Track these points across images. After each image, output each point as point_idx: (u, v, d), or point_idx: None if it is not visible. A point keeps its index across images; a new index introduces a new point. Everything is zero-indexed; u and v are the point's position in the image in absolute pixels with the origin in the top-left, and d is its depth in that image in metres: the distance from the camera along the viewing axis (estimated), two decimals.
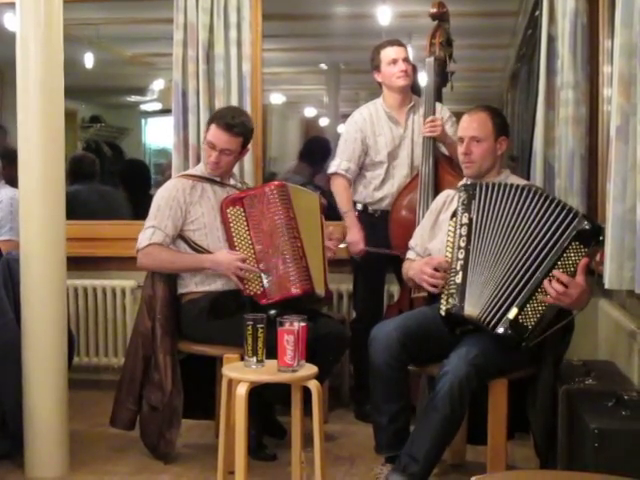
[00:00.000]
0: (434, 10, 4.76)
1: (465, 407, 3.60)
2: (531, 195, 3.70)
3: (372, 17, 6.47)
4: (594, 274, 3.99)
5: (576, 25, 4.81)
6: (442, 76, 4.80)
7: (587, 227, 3.59)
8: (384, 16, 6.31)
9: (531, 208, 3.67)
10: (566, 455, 3.45)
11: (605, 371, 3.89)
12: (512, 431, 3.98)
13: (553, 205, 3.65)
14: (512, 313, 3.58)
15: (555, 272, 3.55)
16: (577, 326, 3.90)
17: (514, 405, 3.78)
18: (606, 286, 3.56)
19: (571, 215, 3.61)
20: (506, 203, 3.71)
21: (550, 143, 4.96)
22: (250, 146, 4.56)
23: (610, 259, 3.51)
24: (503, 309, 3.60)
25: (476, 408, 3.73)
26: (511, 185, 3.77)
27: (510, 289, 3.61)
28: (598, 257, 4.11)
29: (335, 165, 4.93)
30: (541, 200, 3.67)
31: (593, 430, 3.08)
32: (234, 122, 4.30)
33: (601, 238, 3.60)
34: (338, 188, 4.91)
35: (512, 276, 3.62)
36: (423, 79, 4.92)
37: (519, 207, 3.69)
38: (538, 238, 3.62)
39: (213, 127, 4.32)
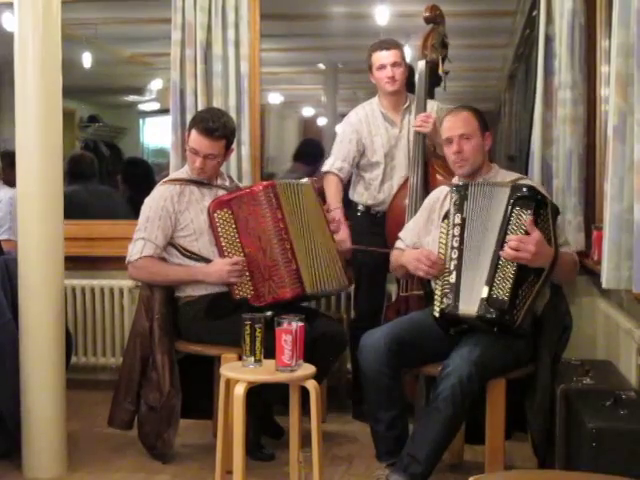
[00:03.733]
0: (427, 14, 4.77)
1: (467, 407, 3.59)
2: (498, 188, 3.79)
3: (370, 17, 6.47)
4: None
5: (573, 25, 4.82)
6: (434, 77, 4.81)
7: (523, 193, 3.70)
8: (382, 16, 6.31)
9: (496, 199, 3.76)
10: (564, 455, 3.46)
11: (603, 370, 3.90)
12: (510, 431, 3.98)
13: (505, 188, 3.77)
14: (484, 292, 3.63)
15: (506, 238, 3.64)
16: (575, 325, 3.92)
17: (512, 405, 3.79)
18: (603, 286, 3.56)
19: (512, 189, 3.74)
20: (487, 200, 3.78)
21: (548, 143, 4.97)
22: (234, 146, 4.54)
23: (607, 259, 3.51)
24: (476, 294, 3.65)
25: (474, 408, 3.73)
26: (493, 183, 3.86)
27: (481, 274, 3.67)
28: (596, 255, 4.13)
29: (329, 164, 4.94)
30: (501, 189, 3.78)
31: (591, 429, 3.09)
32: (214, 126, 4.25)
33: (539, 197, 3.72)
34: (329, 185, 4.89)
35: (488, 265, 3.67)
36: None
37: (491, 202, 3.77)
38: (497, 222, 3.71)
39: (194, 133, 4.28)
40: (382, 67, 4.78)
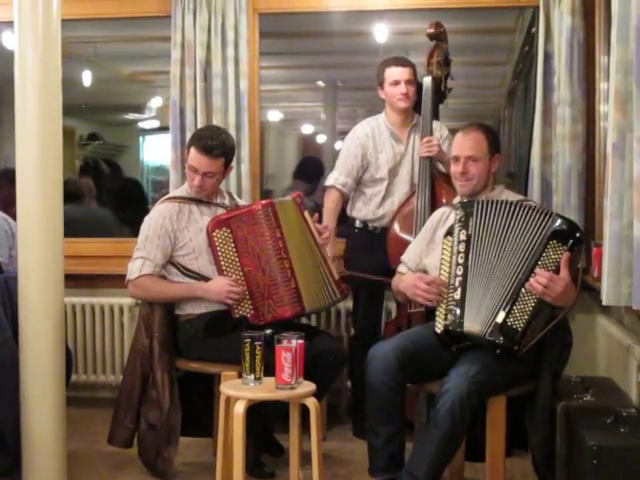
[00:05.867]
0: (431, 30, 4.78)
1: (466, 424, 3.57)
2: (519, 209, 3.74)
3: (369, 34, 6.48)
4: (591, 289, 4.00)
5: (572, 42, 4.85)
6: (439, 94, 4.82)
7: (562, 226, 3.65)
8: (381, 33, 6.32)
9: (519, 220, 3.72)
10: (565, 472, 3.45)
11: (603, 387, 3.89)
12: (511, 448, 3.97)
13: (535, 213, 3.72)
14: (500, 317, 3.60)
15: (536, 270, 3.58)
16: (575, 342, 3.91)
17: (513, 422, 3.78)
18: (604, 302, 3.56)
19: (547, 217, 3.68)
20: (500, 219, 3.74)
21: (547, 160, 4.98)
22: (234, 163, 4.54)
23: (607, 275, 3.51)
24: (489, 313, 3.62)
25: (475, 425, 3.73)
26: (505, 201, 3.80)
27: (501, 298, 3.63)
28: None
29: (333, 178, 4.94)
30: (527, 211, 3.73)
31: (591, 447, 3.09)
32: (213, 144, 4.24)
33: (578, 235, 3.67)
34: (330, 200, 4.92)
35: (503, 287, 3.64)
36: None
37: (510, 221, 3.73)
38: (523, 246, 3.67)
39: (193, 151, 4.27)
40: (396, 83, 4.79)
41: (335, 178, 4.93)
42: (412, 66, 4.87)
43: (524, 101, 7.00)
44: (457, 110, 5.02)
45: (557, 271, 3.58)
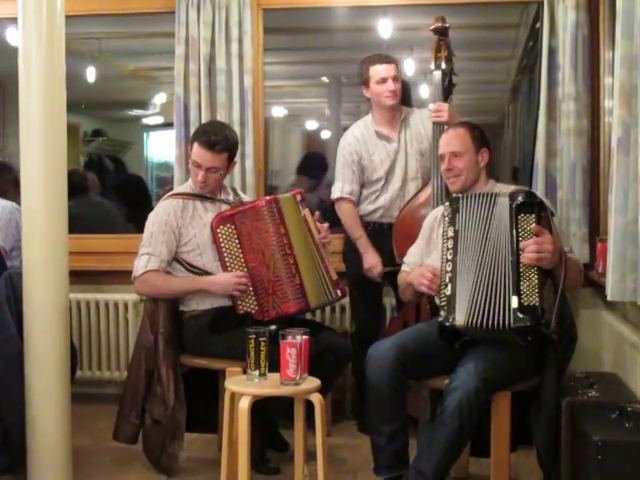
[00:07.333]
0: (438, 24, 4.74)
1: (474, 422, 3.56)
2: (494, 198, 3.75)
3: (373, 30, 6.47)
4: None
5: (577, 37, 4.84)
6: (445, 89, 4.79)
7: (521, 199, 3.66)
8: (385, 29, 6.32)
9: (495, 209, 3.72)
10: (569, 468, 3.45)
11: (608, 383, 3.89)
12: (515, 443, 3.97)
13: (500, 198, 3.73)
14: (514, 302, 3.57)
15: (521, 245, 3.58)
16: (580, 338, 3.91)
17: (517, 417, 3.78)
18: (608, 298, 3.56)
19: (509, 198, 3.69)
20: (482, 211, 3.76)
21: (552, 155, 4.98)
22: (238, 158, 4.55)
23: (612, 271, 3.51)
24: (500, 306, 3.60)
25: (479, 420, 3.72)
26: (486, 193, 3.81)
27: (495, 287, 3.62)
28: (600, 267, 4.13)
29: (338, 189, 4.91)
30: (497, 199, 3.74)
31: (596, 442, 3.08)
32: (216, 139, 4.24)
33: (538, 200, 3.69)
34: (346, 213, 4.91)
35: (493, 275, 3.63)
36: (424, 91, 4.92)
37: (489, 212, 3.74)
38: (502, 232, 3.67)
39: (196, 146, 4.27)
40: (383, 81, 4.78)
41: (341, 189, 4.91)
42: (396, 62, 4.86)
43: (529, 96, 6.99)
44: (461, 106, 5.02)
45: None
